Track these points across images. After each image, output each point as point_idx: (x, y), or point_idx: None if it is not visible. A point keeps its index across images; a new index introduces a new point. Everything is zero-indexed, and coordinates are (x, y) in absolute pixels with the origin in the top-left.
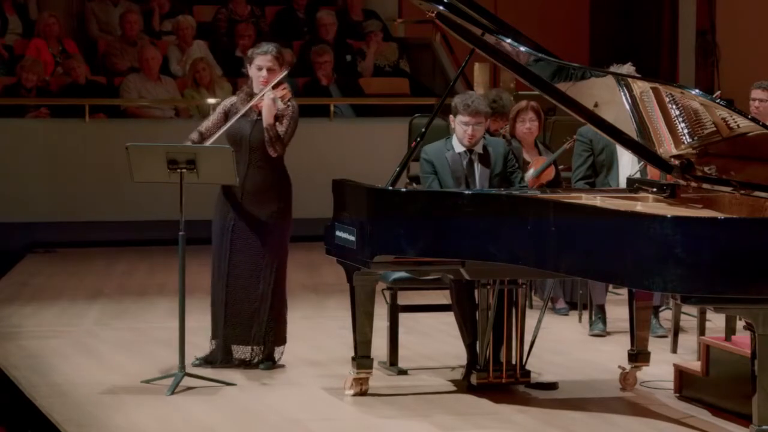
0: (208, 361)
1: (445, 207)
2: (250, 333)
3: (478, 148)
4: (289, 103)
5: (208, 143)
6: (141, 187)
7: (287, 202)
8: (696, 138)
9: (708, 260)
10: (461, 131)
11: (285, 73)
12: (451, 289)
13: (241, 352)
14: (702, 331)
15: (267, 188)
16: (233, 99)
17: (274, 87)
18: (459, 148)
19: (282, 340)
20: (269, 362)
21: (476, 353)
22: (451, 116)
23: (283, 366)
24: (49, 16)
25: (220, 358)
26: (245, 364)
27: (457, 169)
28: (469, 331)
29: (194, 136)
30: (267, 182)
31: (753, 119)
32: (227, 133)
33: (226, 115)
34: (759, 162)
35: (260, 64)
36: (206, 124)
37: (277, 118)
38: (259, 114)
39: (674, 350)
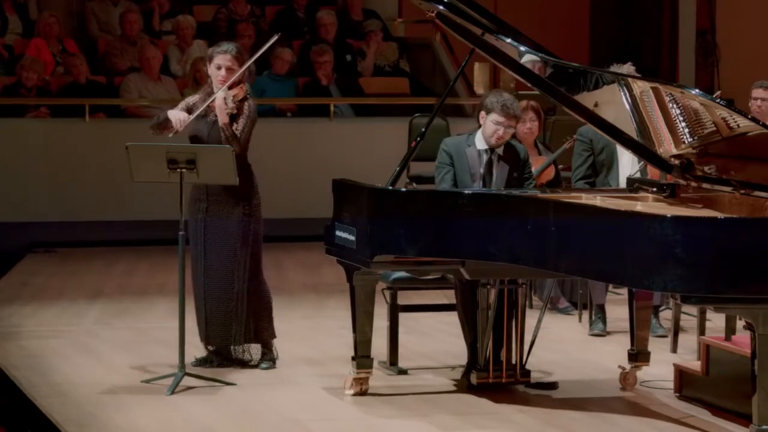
0: (209, 361)
1: (445, 207)
2: (230, 333)
3: (500, 149)
4: (247, 102)
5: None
6: (141, 187)
7: (255, 199)
8: (696, 138)
9: (708, 260)
10: (491, 130)
11: (242, 71)
12: (456, 288)
13: (235, 352)
14: (702, 330)
15: (231, 188)
16: (195, 97)
17: (231, 87)
18: (481, 145)
19: (271, 335)
20: (269, 362)
21: (477, 353)
22: (482, 113)
23: (276, 362)
24: (49, 15)
25: (216, 361)
26: (243, 364)
27: (474, 166)
28: (471, 330)
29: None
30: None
31: (753, 119)
32: (188, 134)
33: (189, 113)
34: (759, 162)
35: (219, 63)
36: (180, 106)
37: (234, 117)
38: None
39: (674, 350)
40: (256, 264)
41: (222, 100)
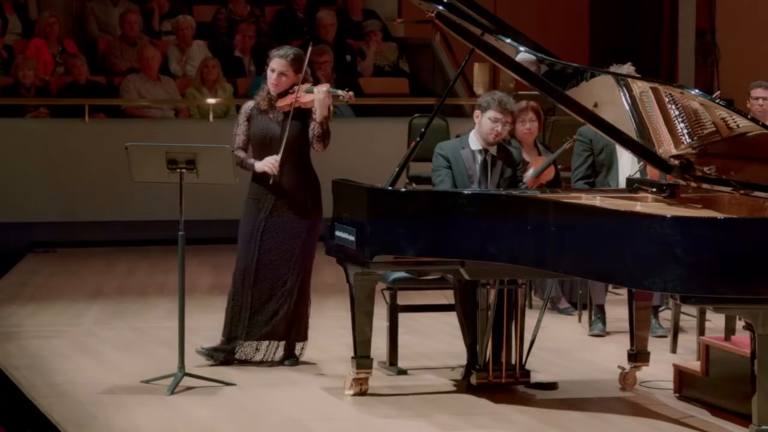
0: (216, 350)
1: (445, 207)
2: (271, 329)
3: (493, 149)
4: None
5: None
6: (141, 187)
7: (319, 200)
8: (695, 138)
9: (707, 260)
10: (489, 127)
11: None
12: (455, 288)
13: (251, 350)
14: (702, 331)
15: (302, 187)
16: (250, 103)
17: (292, 91)
18: (475, 146)
19: (303, 336)
20: (293, 359)
21: (476, 353)
22: (477, 112)
23: (304, 362)
24: (49, 16)
25: (230, 350)
26: (251, 362)
27: (471, 167)
28: (470, 330)
29: (241, 154)
30: (302, 181)
31: (752, 119)
32: (252, 133)
33: (249, 120)
34: (758, 162)
35: (273, 67)
36: (240, 138)
37: (306, 115)
38: (285, 114)
39: (674, 350)
40: (309, 264)
41: (326, 93)
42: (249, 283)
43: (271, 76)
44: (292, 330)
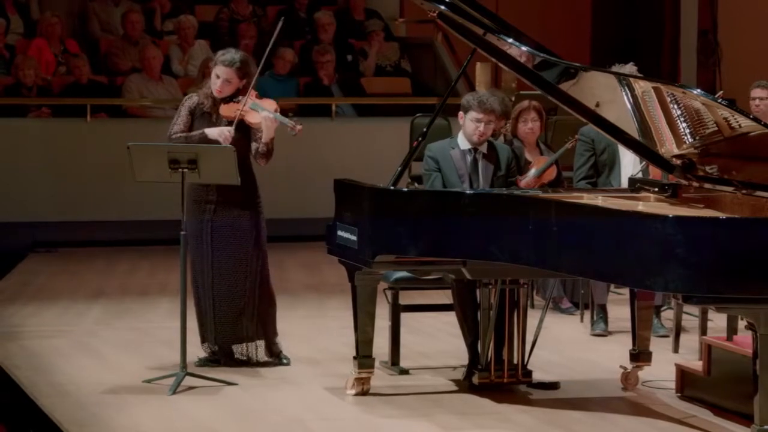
0: (211, 361)
1: (447, 207)
2: (241, 330)
3: (483, 148)
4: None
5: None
6: (142, 187)
7: (259, 199)
8: (698, 138)
9: (709, 260)
10: (472, 128)
11: (249, 82)
12: (453, 288)
13: (238, 351)
14: (704, 330)
15: (242, 189)
16: (195, 98)
17: (243, 95)
18: (464, 145)
19: (275, 332)
20: (286, 358)
21: (477, 353)
22: (461, 113)
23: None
24: (51, 15)
25: (222, 360)
26: (245, 363)
27: (461, 167)
28: (470, 330)
29: (183, 133)
30: (243, 185)
31: (755, 119)
32: (199, 139)
33: (192, 115)
34: (760, 162)
35: (218, 73)
36: (178, 128)
37: (248, 126)
38: (229, 122)
39: (676, 350)
40: (264, 261)
41: (273, 119)
42: (208, 284)
43: (215, 82)
44: (265, 329)
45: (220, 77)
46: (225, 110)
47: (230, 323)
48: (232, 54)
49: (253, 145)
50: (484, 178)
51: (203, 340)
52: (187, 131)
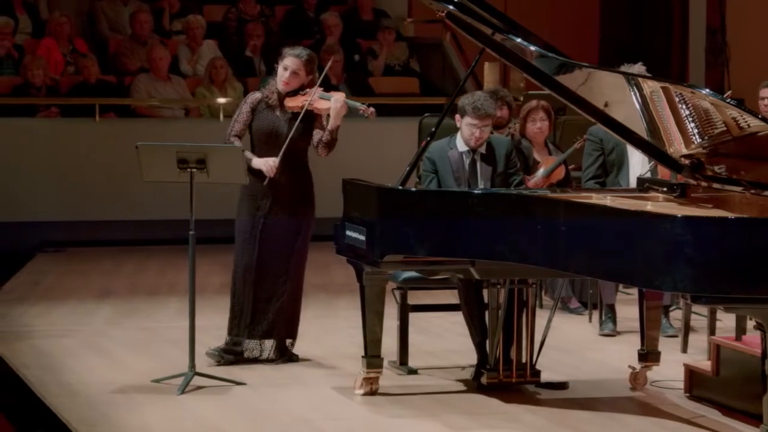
0: (226, 352)
1: (455, 206)
2: (272, 327)
3: (482, 148)
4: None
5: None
6: (151, 187)
7: (313, 200)
8: (706, 138)
9: (718, 260)
10: (468, 133)
11: (316, 77)
12: (459, 288)
13: (257, 349)
14: (712, 330)
15: (299, 186)
16: (257, 95)
17: (309, 89)
18: (462, 147)
19: (296, 333)
20: (295, 356)
21: (485, 352)
22: (458, 116)
23: (313, 362)
24: (60, 15)
25: (239, 350)
26: (257, 360)
27: (459, 169)
28: (477, 330)
29: (237, 143)
30: (299, 181)
31: (763, 119)
32: (257, 127)
33: (253, 112)
34: None
35: (287, 65)
36: (239, 127)
37: (313, 119)
38: (293, 114)
39: (684, 350)
40: (303, 265)
41: (344, 103)
42: (250, 281)
43: (283, 74)
44: (290, 328)
45: (288, 68)
46: (291, 102)
47: (266, 321)
48: (301, 48)
49: (316, 135)
50: (484, 178)
51: (230, 333)
52: (246, 129)
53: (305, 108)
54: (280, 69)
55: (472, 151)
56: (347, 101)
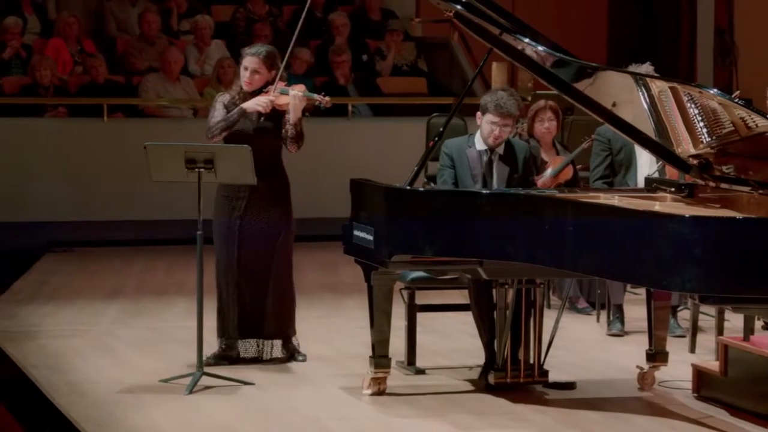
0: (222, 358)
1: (463, 206)
2: (262, 328)
3: (500, 149)
4: (323, 95)
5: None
6: (159, 187)
7: (289, 199)
8: (714, 137)
9: (726, 260)
10: (488, 130)
11: (277, 72)
12: (470, 288)
13: (252, 348)
14: (720, 330)
15: (273, 185)
16: (227, 95)
17: (271, 86)
18: (481, 145)
19: (294, 331)
20: (301, 355)
21: (494, 352)
22: (479, 113)
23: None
24: (68, 15)
25: (235, 355)
26: (257, 360)
27: (476, 167)
28: (486, 330)
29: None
30: (273, 180)
31: None
32: (238, 115)
33: (227, 110)
34: None
35: (246, 65)
36: (216, 119)
37: (281, 115)
38: (261, 115)
39: (692, 350)
40: (289, 260)
41: (300, 97)
42: (233, 282)
43: (244, 75)
44: (284, 327)
45: (248, 68)
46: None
47: (253, 320)
48: (258, 46)
49: (284, 132)
50: (500, 179)
51: (221, 336)
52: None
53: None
54: (241, 70)
55: (490, 150)
56: (304, 93)
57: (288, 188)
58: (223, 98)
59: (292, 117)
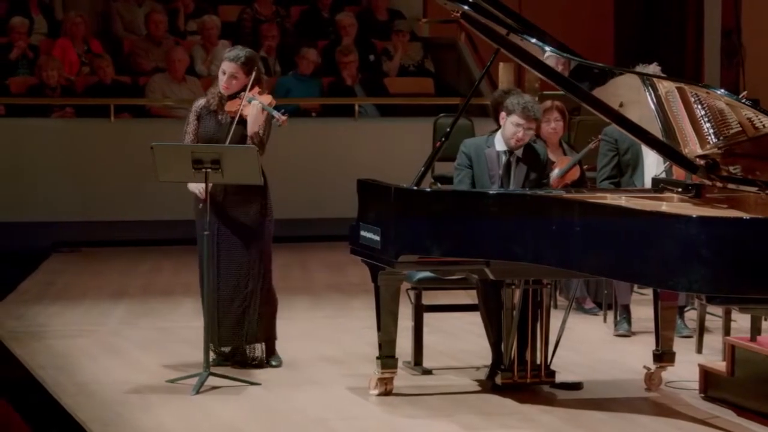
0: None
1: (470, 207)
2: (241, 333)
3: (519, 151)
4: (282, 113)
5: None
6: (165, 187)
7: (267, 199)
8: (721, 138)
9: (733, 260)
10: (511, 131)
11: (253, 78)
12: (478, 288)
13: (238, 353)
14: (727, 331)
15: (249, 189)
16: (201, 101)
17: (250, 90)
18: (500, 146)
19: (274, 335)
20: (278, 359)
21: (501, 353)
22: (503, 113)
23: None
24: (75, 16)
25: (229, 362)
26: (242, 365)
27: (494, 167)
28: (494, 330)
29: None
30: (250, 186)
31: None
32: (200, 134)
33: (199, 119)
34: None
35: (224, 69)
36: (189, 138)
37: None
38: (233, 118)
39: (699, 350)
40: (268, 262)
41: (260, 109)
42: (213, 285)
43: (221, 78)
44: (266, 331)
45: (226, 72)
46: (229, 106)
47: (233, 325)
48: (237, 50)
49: (249, 140)
50: (516, 181)
51: (207, 342)
52: (196, 138)
53: (239, 112)
54: (219, 73)
55: (509, 152)
56: (265, 107)
57: (265, 190)
58: (196, 105)
59: (249, 128)
